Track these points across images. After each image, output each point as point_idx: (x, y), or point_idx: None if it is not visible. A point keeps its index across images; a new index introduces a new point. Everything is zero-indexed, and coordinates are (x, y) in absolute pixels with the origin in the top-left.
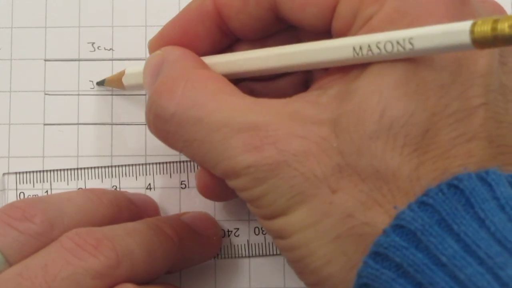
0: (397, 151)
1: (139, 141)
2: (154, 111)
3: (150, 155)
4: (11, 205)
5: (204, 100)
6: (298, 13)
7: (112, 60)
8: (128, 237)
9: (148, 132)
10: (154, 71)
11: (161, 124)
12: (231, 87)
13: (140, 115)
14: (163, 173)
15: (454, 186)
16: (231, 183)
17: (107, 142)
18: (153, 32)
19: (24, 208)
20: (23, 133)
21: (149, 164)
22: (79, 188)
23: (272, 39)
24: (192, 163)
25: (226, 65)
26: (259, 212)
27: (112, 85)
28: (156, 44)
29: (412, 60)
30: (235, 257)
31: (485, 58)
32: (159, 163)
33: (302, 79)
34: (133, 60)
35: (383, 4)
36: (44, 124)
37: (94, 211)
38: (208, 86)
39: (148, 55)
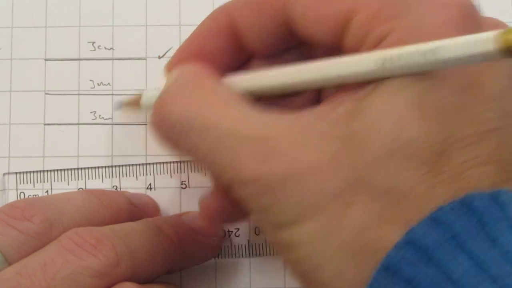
0: (411, 171)
1: (139, 141)
2: (158, 116)
3: (150, 155)
4: (11, 205)
5: (211, 108)
6: (310, 29)
7: (112, 59)
8: (128, 237)
9: (149, 132)
10: None
11: (165, 130)
12: (240, 98)
13: (140, 115)
14: (164, 173)
15: (466, 205)
16: (238, 193)
17: (107, 142)
18: (153, 31)
19: (23, 207)
20: (23, 133)
21: (150, 164)
22: (79, 188)
23: (286, 54)
24: (193, 163)
25: (247, 82)
26: (265, 223)
27: (130, 108)
28: (172, 65)
29: (428, 81)
30: (235, 257)
31: (499, 82)
32: (160, 163)
33: (314, 98)
34: (134, 59)
35: (396, 24)
36: (44, 124)
37: (94, 212)
38: (216, 95)
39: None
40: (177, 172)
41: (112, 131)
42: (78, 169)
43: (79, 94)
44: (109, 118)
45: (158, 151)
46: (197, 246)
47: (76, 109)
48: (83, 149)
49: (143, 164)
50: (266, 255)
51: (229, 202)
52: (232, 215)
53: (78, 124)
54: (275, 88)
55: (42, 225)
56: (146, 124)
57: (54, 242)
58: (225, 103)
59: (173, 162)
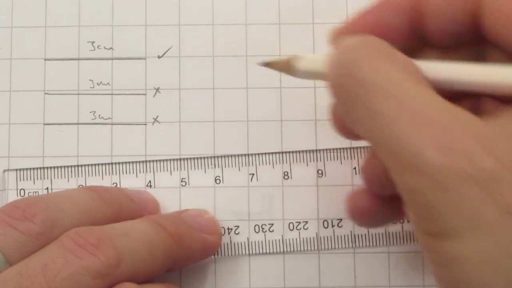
0: None
1: (139, 141)
2: (348, 70)
3: (150, 155)
4: (12, 205)
5: (402, 79)
6: (501, 28)
7: (112, 59)
8: (129, 236)
9: (148, 132)
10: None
11: (350, 84)
12: (427, 80)
13: (140, 115)
14: (164, 171)
15: None
16: (404, 179)
17: (107, 142)
18: (152, 31)
19: (24, 207)
20: (23, 133)
21: (150, 161)
22: (79, 185)
23: (457, 51)
24: (193, 161)
25: (432, 69)
26: (426, 226)
27: (279, 67)
28: (343, 33)
29: None
30: (235, 255)
31: None
32: (159, 160)
33: (471, 107)
34: (133, 59)
35: None
36: (44, 124)
37: (95, 210)
38: (407, 68)
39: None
40: (177, 169)
41: (112, 131)
42: (78, 166)
43: (78, 94)
44: (108, 118)
45: (157, 152)
46: (197, 244)
47: (75, 109)
48: (83, 149)
49: (143, 162)
50: (266, 253)
51: (380, 200)
52: (382, 216)
53: (78, 124)
54: (466, 84)
55: (43, 225)
56: (145, 124)
57: (55, 242)
58: (416, 79)
59: (173, 160)
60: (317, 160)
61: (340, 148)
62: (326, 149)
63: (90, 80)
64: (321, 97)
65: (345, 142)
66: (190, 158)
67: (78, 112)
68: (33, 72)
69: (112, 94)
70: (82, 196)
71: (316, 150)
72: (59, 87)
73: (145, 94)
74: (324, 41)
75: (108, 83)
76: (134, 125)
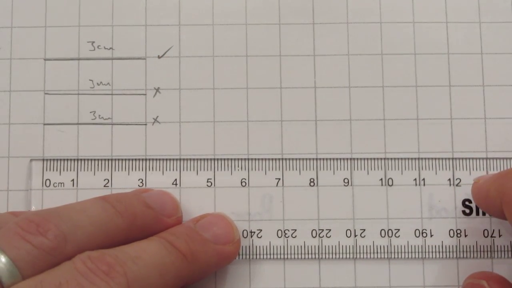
0: None
1: (139, 141)
2: None
3: (150, 155)
4: (25, 218)
5: None
6: None
7: (112, 59)
8: (140, 260)
9: (148, 132)
10: None
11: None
12: None
13: (140, 115)
14: (190, 170)
15: None
16: None
17: (107, 142)
18: (153, 31)
19: (38, 222)
20: (23, 132)
21: (176, 160)
22: (104, 179)
23: None
24: (220, 161)
25: None
26: None
27: None
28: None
29: None
30: (255, 258)
31: None
32: (188, 159)
33: None
34: (133, 59)
35: None
36: (44, 124)
37: (108, 222)
38: None
39: None
40: (204, 169)
41: (112, 131)
42: (105, 160)
43: (78, 94)
44: (108, 118)
45: (158, 152)
46: (212, 259)
47: (75, 109)
48: (83, 149)
49: (170, 159)
50: (285, 258)
51: None
52: None
53: (78, 124)
54: None
55: (56, 241)
56: (145, 124)
57: (68, 263)
58: None
59: (201, 159)
60: (345, 169)
61: (369, 159)
62: (355, 158)
63: (90, 80)
64: (321, 97)
65: (345, 146)
66: (217, 159)
67: (78, 112)
68: (33, 72)
69: (112, 94)
70: (95, 208)
71: (346, 159)
72: (59, 87)
73: (145, 94)
74: (324, 42)
75: (108, 83)
76: (134, 125)
